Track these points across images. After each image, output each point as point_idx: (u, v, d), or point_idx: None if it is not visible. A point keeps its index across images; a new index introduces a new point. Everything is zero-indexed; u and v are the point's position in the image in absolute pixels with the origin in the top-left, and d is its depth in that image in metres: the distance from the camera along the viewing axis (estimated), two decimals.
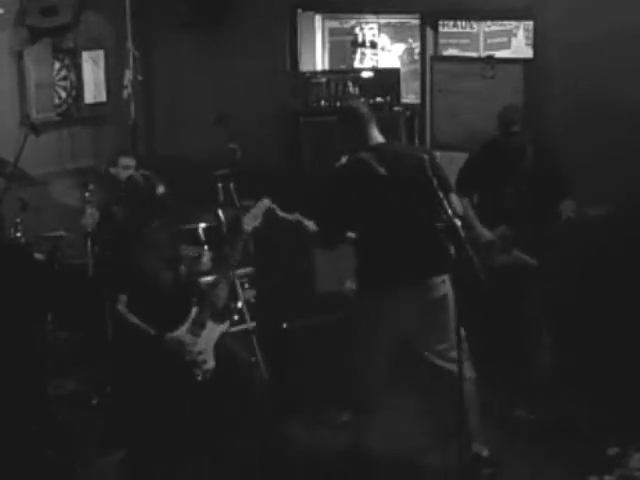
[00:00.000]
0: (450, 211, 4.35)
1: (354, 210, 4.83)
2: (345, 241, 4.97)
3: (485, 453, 5.01)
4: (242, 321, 5.57)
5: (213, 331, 5.13)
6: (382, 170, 4.79)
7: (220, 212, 5.20)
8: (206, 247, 6.17)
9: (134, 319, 5.09)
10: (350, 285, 6.71)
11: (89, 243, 6.14)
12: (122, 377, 5.45)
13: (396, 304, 4.80)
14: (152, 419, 5.10)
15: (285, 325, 5.98)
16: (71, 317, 6.40)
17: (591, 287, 6.12)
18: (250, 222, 5.16)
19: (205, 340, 5.09)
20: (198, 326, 5.09)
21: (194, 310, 5.13)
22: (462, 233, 4.28)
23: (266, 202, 5.21)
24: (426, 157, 4.71)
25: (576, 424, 5.58)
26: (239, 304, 5.19)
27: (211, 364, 5.07)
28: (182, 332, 5.09)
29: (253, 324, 5.22)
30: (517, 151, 5.80)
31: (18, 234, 6.14)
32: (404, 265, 4.78)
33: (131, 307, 5.18)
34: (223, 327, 5.18)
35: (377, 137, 4.99)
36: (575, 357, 6.02)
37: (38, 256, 6.32)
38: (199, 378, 5.03)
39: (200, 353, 5.05)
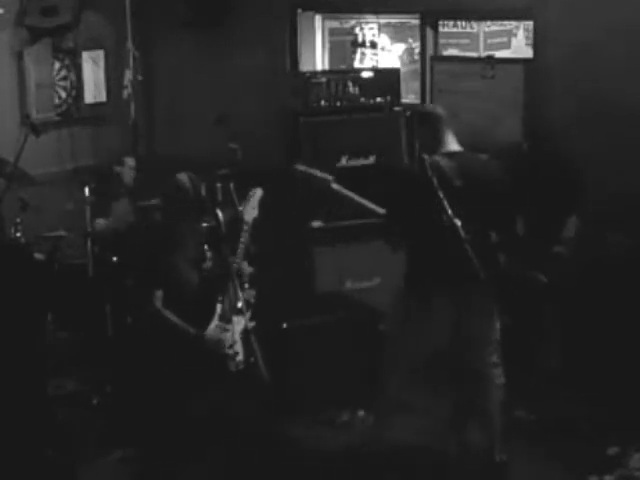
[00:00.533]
0: (450, 211, 4.35)
1: (418, 211, 4.77)
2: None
3: (506, 459, 5.03)
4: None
5: (238, 324, 5.18)
6: (457, 181, 4.71)
7: (219, 212, 5.20)
8: (206, 247, 6.17)
9: (173, 317, 5.10)
10: (351, 285, 6.73)
11: (89, 243, 6.15)
12: (137, 375, 5.50)
13: (450, 305, 4.78)
14: (159, 419, 5.11)
15: (285, 325, 5.97)
16: (71, 317, 6.41)
17: (590, 288, 6.11)
18: (249, 213, 5.31)
19: (233, 333, 5.14)
20: (225, 321, 5.16)
21: (219, 306, 5.17)
22: (462, 233, 4.28)
23: (259, 192, 5.40)
24: (427, 158, 4.68)
25: (576, 424, 5.58)
26: (239, 304, 5.20)
27: (241, 356, 5.12)
28: (212, 329, 5.13)
29: (253, 324, 5.22)
30: (540, 158, 5.82)
31: (18, 234, 6.14)
32: (460, 269, 4.65)
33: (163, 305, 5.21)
34: (245, 319, 5.21)
35: (453, 144, 4.93)
36: (575, 357, 6.01)
37: (38, 256, 6.33)
38: (233, 370, 5.12)
39: (231, 346, 5.11)
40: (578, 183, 5.96)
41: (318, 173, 5.16)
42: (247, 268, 5.38)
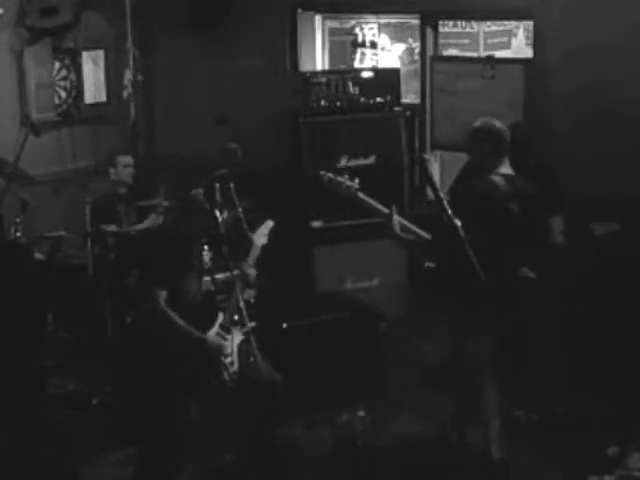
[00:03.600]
0: (450, 212, 4.34)
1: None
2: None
3: (505, 458, 5.03)
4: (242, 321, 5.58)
5: (236, 335, 5.18)
6: (513, 205, 4.75)
7: (217, 212, 5.20)
8: (206, 247, 6.17)
9: (177, 319, 5.08)
10: (351, 285, 6.73)
11: (89, 243, 6.16)
12: (137, 375, 5.48)
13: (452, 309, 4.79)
14: (160, 419, 5.11)
15: (285, 325, 5.97)
16: (71, 317, 6.41)
17: (590, 289, 6.11)
18: (259, 239, 5.35)
19: (230, 344, 5.15)
20: (225, 330, 5.15)
21: (220, 315, 5.17)
22: (462, 233, 4.28)
23: (270, 223, 5.44)
24: (428, 158, 4.70)
25: (576, 424, 5.58)
26: (240, 304, 5.20)
27: (236, 367, 5.13)
28: (213, 335, 5.13)
29: (253, 324, 5.23)
30: (521, 163, 5.83)
31: (18, 234, 6.15)
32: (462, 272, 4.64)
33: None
34: (242, 329, 5.21)
35: (507, 166, 4.91)
36: (575, 357, 6.01)
37: (38, 256, 6.33)
38: (227, 380, 5.09)
39: (227, 356, 5.12)
40: (560, 187, 5.98)
41: (344, 180, 5.13)
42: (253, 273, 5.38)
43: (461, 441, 4.79)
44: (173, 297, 5.10)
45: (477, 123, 5.10)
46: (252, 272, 5.34)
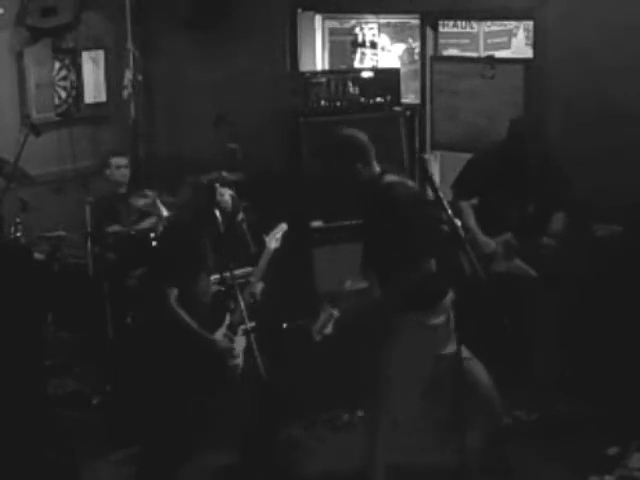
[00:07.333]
0: (451, 211, 4.34)
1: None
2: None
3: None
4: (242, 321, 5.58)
5: (241, 337, 5.19)
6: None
7: (217, 212, 5.21)
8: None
9: (188, 319, 5.08)
10: (351, 285, 6.72)
11: (89, 243, 6.16)
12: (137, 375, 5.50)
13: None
14: (161, 418, 5.11)
15: (285, 325, 5.97)
16: (71, 317, 6.42)
17: (591, 290, 6.11)
18: (272, 242, 5.41)
19: (237, 345, 5.16)
20: (232, 331, 5.16)
21: (228, 316, 5.18)
22: (462, 233, 4.27)
23: (284, 226, 5.51)
24: (426, 158, 4.72)
25: (576, 424, 5.58)
26: (241, 304, 5.20)
27: (241, 368, 5.14)
28: (219, 337, 5.14)
29: (253, 324, 5.23)
30: (524, 159, 5.83)
31: (18, 234, 6.15)
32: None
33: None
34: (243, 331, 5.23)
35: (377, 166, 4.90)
36: (575, 358, 6.01)
37: (38, 256, 6.33)
38: (229, 380, 5.13)
39: (234, 358, 5.13)
40: (565, 181, 5.98)
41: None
42: (259, 287, 5.40)
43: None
44: (182, 296, 5.10)
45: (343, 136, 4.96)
46: (259, 285, 5.36)
